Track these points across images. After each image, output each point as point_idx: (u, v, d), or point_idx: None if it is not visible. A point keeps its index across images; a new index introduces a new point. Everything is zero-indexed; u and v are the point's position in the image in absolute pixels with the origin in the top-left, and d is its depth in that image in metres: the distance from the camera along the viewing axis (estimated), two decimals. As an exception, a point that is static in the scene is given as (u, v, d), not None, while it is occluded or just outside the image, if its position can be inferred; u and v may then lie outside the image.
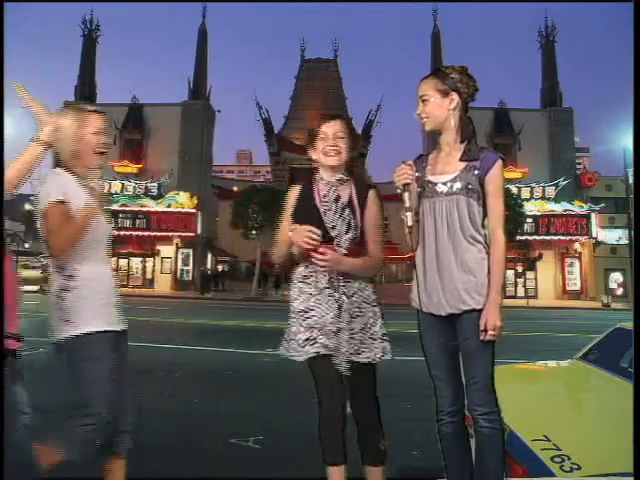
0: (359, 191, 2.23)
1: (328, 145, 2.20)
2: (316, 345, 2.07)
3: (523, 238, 27.19)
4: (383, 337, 2.19)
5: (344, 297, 2.13)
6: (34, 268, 19.63)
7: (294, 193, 2.27)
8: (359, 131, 32.29)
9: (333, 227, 2.14)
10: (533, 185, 29.37)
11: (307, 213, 2.17)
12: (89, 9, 34.24)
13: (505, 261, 2.03)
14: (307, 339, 2.09)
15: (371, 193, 2.24)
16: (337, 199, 2.18)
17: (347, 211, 2.16)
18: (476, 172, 2.04)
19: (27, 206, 29.13)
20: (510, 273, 28.56)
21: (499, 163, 2.05)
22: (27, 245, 43.67)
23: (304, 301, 2.12)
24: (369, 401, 2.18)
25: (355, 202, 2.20)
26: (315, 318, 2.09)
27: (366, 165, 32.28)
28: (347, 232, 2.14)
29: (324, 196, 2.20)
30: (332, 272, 2.12)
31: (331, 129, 2.21)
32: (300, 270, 2.18)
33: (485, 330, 1.95)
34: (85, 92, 33.13)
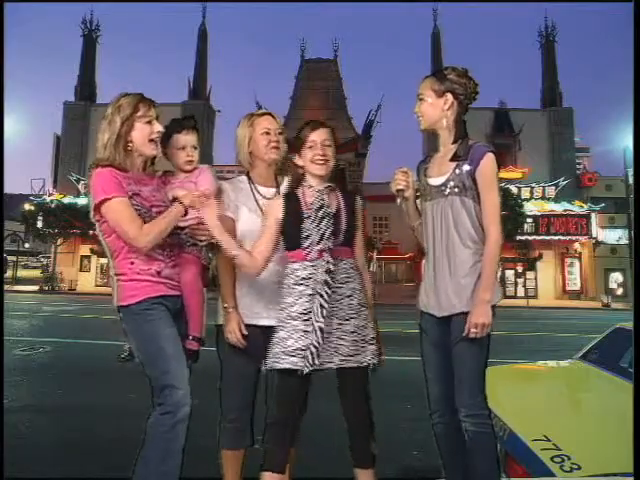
0: (345, 198, 2.21)
1: (317, 154, 2.16)
2: (301, 362, 1.99)
3: (523, 238, 27.17)
4: (372, 340, 2.14)
5: (343, 298, 2.09)
6: (34, 268, 19.63)
7: (278, 203, 2.18)
8: (359, 131, 32.26)
9: (307, 236, 2.09)
10: (533, 185, 29.35)
11: (291, 220, 2.13)
12: (89, 9, 34.43)
13: (498, 258, 2.01)
14: (301, 348, 2.00)
15: (359, 201, 2.24)
16: (320, 208, 2.12)
17: (325, 221, 2.10)
18: (467, 168, 2.04)
19: (27, 206, 29.12)
20: (510, 273, 28.57)
21: (488, 155, 2.03)
22: (27, 245, 43.67)
23: (303, 303, 2.06)
24: (360, 403, 2.14)
25: (342, 210, 2.16)
26: (311, 321, 2.03)
27: (366, 165, 32.24)
28: (319, 243, 2.08)
29: (311, 203, 2.15)
30: (331, 273, 2.07)
31: (319, 137, 2.18)
32: (296, 273, 2.10)
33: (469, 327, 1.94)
34: (85, 92, 33.17)
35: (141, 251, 2.05)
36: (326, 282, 2.05)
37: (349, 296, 2.11)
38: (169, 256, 2.13)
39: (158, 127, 2.14)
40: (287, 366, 2.01)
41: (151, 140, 2.13)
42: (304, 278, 2.09)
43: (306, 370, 1.98)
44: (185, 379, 2.02)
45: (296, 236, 2.11)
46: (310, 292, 2.07)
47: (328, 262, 2.06)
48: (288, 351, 2.02)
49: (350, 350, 2.07)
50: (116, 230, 2.02)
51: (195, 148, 2.33)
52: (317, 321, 2.01)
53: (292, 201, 2.18)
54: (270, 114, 2.42)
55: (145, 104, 2.12)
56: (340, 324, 2.07)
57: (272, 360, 2.06)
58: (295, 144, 2.23)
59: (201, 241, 2.21)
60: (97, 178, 2.03)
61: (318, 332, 2.00)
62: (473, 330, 1.93)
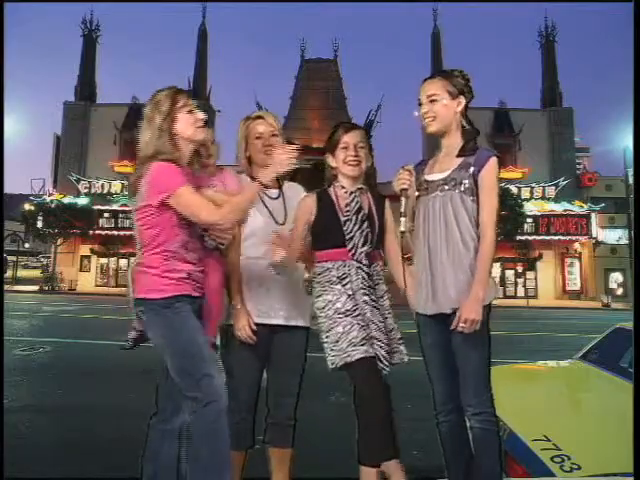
0: (376, 201, 2.26)
1: (350, 155, 2.20)
2: (375, 346, 2.05)
3: (523, 238, 27.16)
4: (400, 340, 2.20)
5: (378, 298, 2.16)
6: (34, 268, 19.62)
7: (311, 201, 2.24)
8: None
9: (351, 238, 2.15)
10: (533, 185, 29.35)
11: (328, 222, 2.17)
12: (89, 9, 34.33)
13: (492, 259, 2.01)
14: (364, 338, 2.05)
15: (387, 203, 2.29)
16: (359, 210, 2.18)
17: (366, 224, 2.17)
18: (471, 169, 2.04)
19: (27, 206, 29.11)
20: (510, 273, 28.57)
21: (493, 160, 2.04)
22: (27, 245, 43.68)
23: (347, 301, 2.10)
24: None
25: (374, 212, 2.22)
26: (361, 317, 2.08)
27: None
28: (364, 245, 2.15)
29: (346, 205, 2.19)
30: (365, 273, 2.13)
31: (353, 139, 2.22)
32: (332, 273, 2.15)
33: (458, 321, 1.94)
34: (85, 92, 33.13)
35: (187, 245, 2.05)
36: (369, 286, 2.13)
37: (381, 297, 2.18)
38: (199, 259, 2.13)
39: (201, 115, 2.12)
40: (361, 355, 2.02)
41: (197, 127, 2.11)
42: (339, 277, 2.14)
43: (380, 353, 2.04)
44: (218, 369, 1.99)
45: (333, 236, 2.16)
46: (350, 292, 2.12)
47: (366, 265, 2.14)
48: (356, 342, 2.05)
49: (396, 347, 2.15)
50: (193, 217, 2.00)
51: (212, 143, 2.33)
52: (368, 318, 2.09)
53: (325, 201, 2.23)
54: (263, 117, 2.41)
55: (183, 94, 2.10)
56: (383, 321, 2.14)
57: (342, 356, 2.05)
58: (328, 145, 2.27)
59: (222, 244, 2.23)
60: (158, 170, 1.99)
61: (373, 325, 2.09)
62: (462, 325, 1.92)
